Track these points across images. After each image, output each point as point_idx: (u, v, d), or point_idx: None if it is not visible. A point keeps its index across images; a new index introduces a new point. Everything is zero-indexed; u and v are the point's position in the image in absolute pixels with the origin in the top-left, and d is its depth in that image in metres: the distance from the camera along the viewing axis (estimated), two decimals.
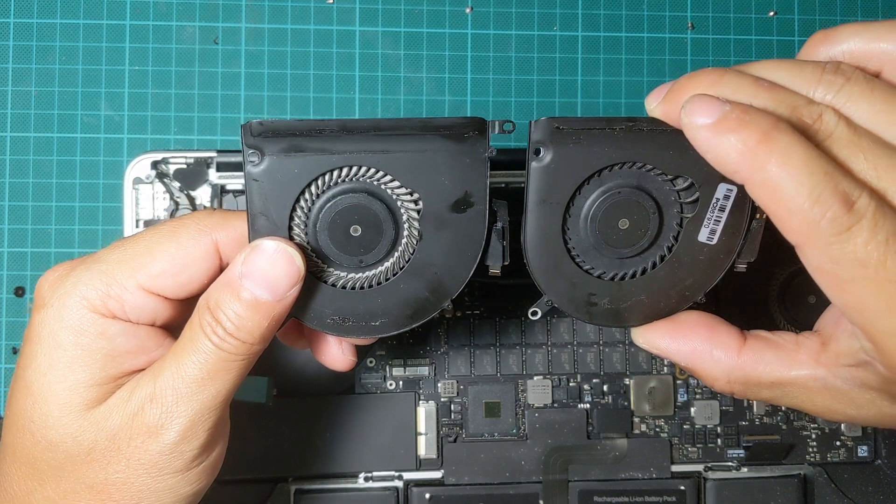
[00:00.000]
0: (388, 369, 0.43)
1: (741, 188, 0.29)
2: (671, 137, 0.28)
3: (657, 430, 0.44)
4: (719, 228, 0.29)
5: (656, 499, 0.43)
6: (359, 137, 0.28)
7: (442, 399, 0.43)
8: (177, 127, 0.53)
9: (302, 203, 0.29)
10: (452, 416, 0.43)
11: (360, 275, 0.30)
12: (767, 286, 0.43)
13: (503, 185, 0.41)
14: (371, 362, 0.43)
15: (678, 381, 0.44)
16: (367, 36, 0.54)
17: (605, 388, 0.44)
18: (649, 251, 0.30)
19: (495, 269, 0.30)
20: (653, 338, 0.31)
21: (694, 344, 0.30)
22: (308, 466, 0.42)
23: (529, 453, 0.43)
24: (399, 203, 0.29)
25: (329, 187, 0.29)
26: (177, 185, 0.41)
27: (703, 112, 0.25)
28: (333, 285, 0.30)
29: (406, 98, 0.54)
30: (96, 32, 0.53)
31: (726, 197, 0.29)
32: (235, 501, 0.42)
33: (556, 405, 0.43)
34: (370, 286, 0.30)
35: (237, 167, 0.41)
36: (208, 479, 0.31)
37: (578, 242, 0.30)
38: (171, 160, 0.41)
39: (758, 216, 0.30)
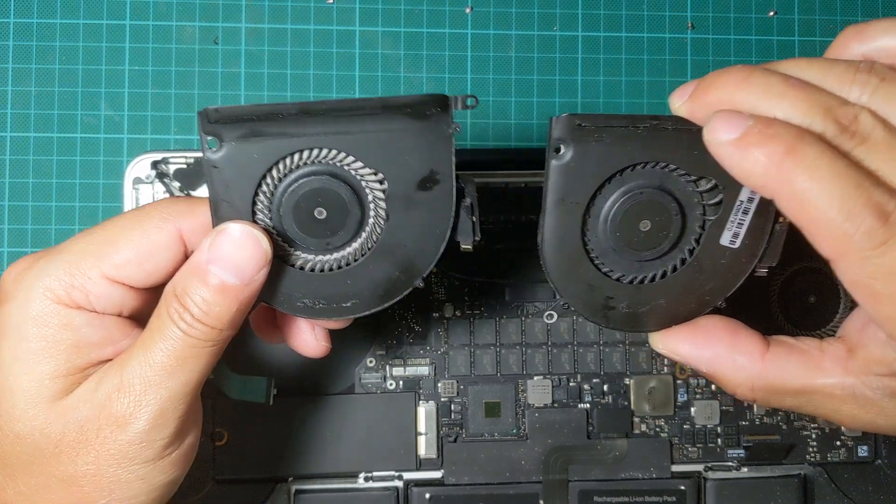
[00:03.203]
0: (388, 369, 0.43)
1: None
2: (696, 137, 0.26)
3: (657, 430, 0.44)
4: (742, 232, 0.29)
5: (656, 499, 0.43)
6: (319, 120, 0.27)
7: (442, 399, 0.43)
8: (177, 127, 0.53)
9: (264, 188, 0.28)
10: (452, 416, 0.43)
11: (328, 257, 0.29)
12: (768, 286, 0.43)
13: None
14: (371, 362, 0.43)
15: (678, 381, 0.44)
16: (367, 36, 0.54)
17: (605, 388, 0.44)
18: (670, 254, 0.29)
19: (467, 245, 0.30)
20: (672, 343, 0.30)
21: (715, 350, 0.29)
22: (308, 466, 0.42)
23: (529, 453, 0.43)
24: (364, 184, 0.29)
25: (291, 171, 0.28)
26: (177, 184, 0.41)
27: (726, 128, 0.24)
28: (301, 268, 0.29)
29: None
30: (96, 32, 0.53)
31: (750, 199, 0.28)
32: (235, 501, 0.42)
33: (556, 405, 0.43)
34: (339, 268, 0.30)
35: None
36: (182, 468, 0.30)
37: (597, 244, 0.29)
38: (171, 160, 0.41)
39: (781, 219, 0.29)
